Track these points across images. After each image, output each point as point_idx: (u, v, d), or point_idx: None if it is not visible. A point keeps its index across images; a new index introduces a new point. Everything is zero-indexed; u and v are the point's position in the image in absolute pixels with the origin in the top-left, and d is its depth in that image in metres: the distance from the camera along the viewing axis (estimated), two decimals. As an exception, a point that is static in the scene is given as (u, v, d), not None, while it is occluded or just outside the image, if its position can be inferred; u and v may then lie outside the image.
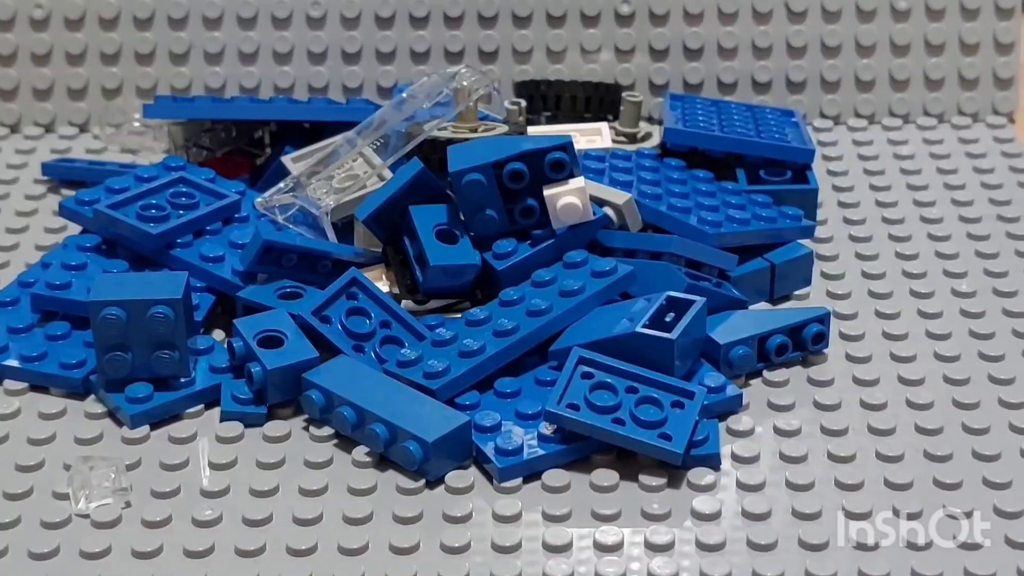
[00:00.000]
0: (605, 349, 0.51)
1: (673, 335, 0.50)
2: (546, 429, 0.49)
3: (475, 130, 0.62)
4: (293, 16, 0.76)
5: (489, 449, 0.49)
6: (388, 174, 0.60)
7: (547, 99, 0.71)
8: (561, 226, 0.56)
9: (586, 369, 0.50)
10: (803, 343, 0.54)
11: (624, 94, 0.69)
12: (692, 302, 0.52)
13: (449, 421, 0.49)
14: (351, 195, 0.59)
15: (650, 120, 0.74)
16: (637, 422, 0.49)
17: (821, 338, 0.55)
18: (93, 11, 0.76)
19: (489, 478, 0.49)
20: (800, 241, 0.61)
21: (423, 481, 0.48)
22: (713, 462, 0.49)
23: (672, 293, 0.53)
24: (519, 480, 0.48)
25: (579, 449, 0.49)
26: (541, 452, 0.49)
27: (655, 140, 0.69)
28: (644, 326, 0.51)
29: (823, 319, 0.55)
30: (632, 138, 0.68)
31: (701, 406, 0.49)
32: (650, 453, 0.48)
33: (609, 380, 0.50)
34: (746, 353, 0.53)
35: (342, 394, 0.50)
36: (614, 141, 0.68)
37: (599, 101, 0.71)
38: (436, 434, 0.48)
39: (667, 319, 0.52)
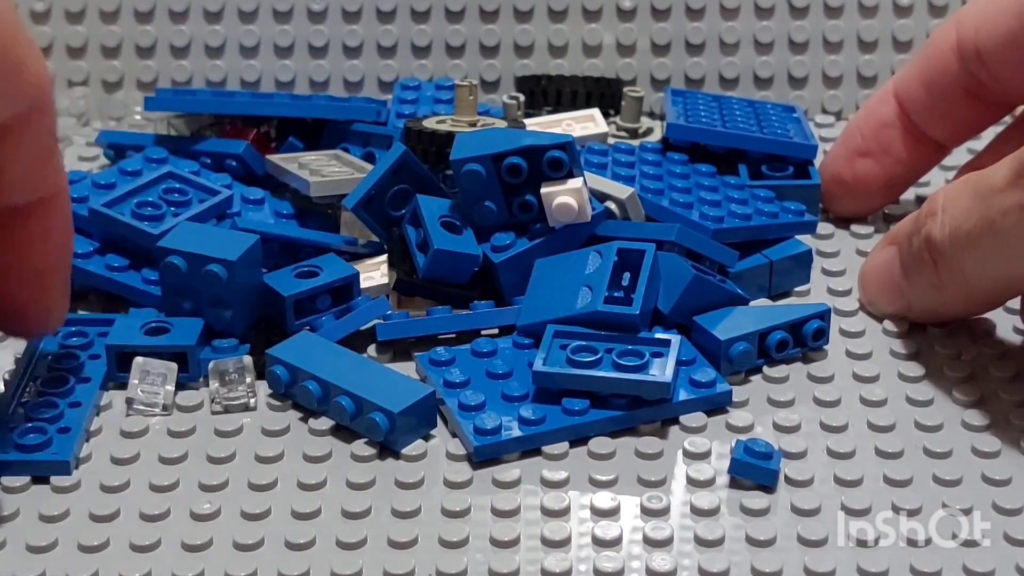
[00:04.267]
0: (570, 323, 0.52)
1: (635, 309, 0.51)
2: (528, 412, 0.50)
3: (474, 124, 0.62)
4: (294, 10, 0.76)
5: (468, 427, 0.49)
6: (368, 166, 0.60)
7: (548, 94, 0.71)
8: (557, 225, 0.56)
9: (562, 341, 0.52)
10: (803, 339, 0.54)
11: (625, 89, 0.69)
12: (643, 252, 0.53)
13: (414, 392, 0.50)
14: (332, 176, 0.60)
15: (651, 115, 0.74)
16: (621, 368, 0.50)
17: (822, 334, 0.54)
18: (94, 4, 0.76)
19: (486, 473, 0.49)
20: (800, 238, 0.61)
21: (422, 475, 0.48)
22: (725, 399, 0.51)
23: (622, 245, 0.53)
24: (517, 474, 0.48)
25: (559, 434, 0.50)
26: (519, 434, 0.49)
27: (657, 135, 0.69)
28: (605, 300, 0.52)
29: (824, 315, 0.55)
30: (633, 133, 0.68)
31: (680, 347, 0.51)
32: (637, 391, 0.50)
33: (586, 344, 0.51)
34: (747, 349, 0.53)
35: (306, 368, 0.51)
36: (615, 136, 0.68)
37: (600, 96, 0.71)
38: (401, 405, 0.49)
39: (623, 280, 0.53)
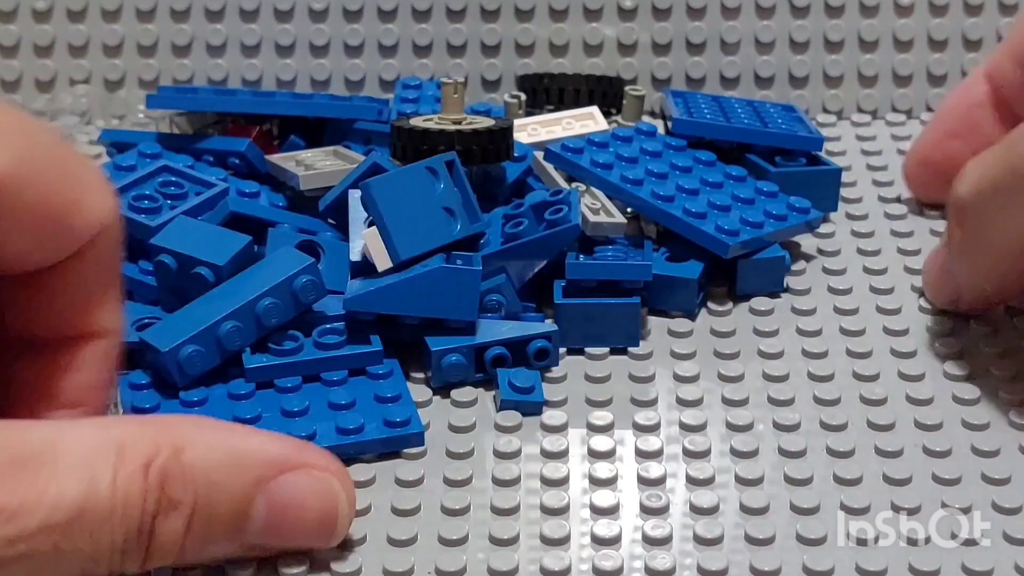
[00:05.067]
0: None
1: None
2: None
3: (459, 122, 0.61)
4: (295, 9, 0.76)
5: None
6: (360, 157, 0.61)
7: (550, 92, 0.71)
8: None
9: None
10: (527, 358, 0.54)
11: (627, 88, 0.69)
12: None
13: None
14: (323, 169, 0.60)
15: (652, 115, 0.73)
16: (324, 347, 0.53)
17: (545, 355, 0.54)
18: (95, 3, 0.76)
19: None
20: (798, 237, 0.61)
21: (422, 473, 0.48)
22: (417, 440, 0.50)
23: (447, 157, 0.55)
24: (516, 472, 0.48)
25: None
26: None
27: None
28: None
29: (550, 336, 0.54)
30: None
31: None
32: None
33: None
34: (458, 361, 0.53)
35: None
36: None
37: (602, 94, 0.71)
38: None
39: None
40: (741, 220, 0.59)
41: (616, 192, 0.59)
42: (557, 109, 0.70)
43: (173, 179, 0.60)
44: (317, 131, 0.67)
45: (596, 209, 0.59)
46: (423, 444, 0.50)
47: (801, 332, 0.57)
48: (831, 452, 0.49)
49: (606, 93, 0.71)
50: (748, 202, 0.61)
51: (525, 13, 0.76)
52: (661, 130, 0.68)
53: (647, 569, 0.44)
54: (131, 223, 0.57)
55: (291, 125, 0.68)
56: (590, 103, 0.70)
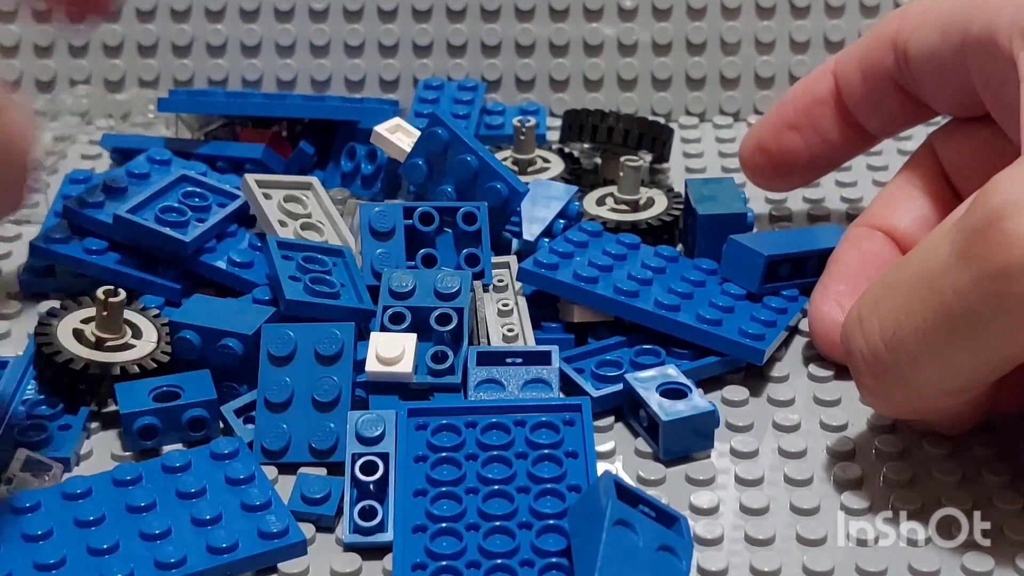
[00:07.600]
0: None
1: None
2: None
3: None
4: (296, 9, 0.76)
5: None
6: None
7: (598, 130, 0.66)
8: None
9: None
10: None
11: (623, 159, 0.63)
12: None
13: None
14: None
15: (652, 184, 0.66)
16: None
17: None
18: (96, 3, 0.76)
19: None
20: None
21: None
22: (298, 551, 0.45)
23: None
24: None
25: None
26: None
27: (659, 207, 0.63)
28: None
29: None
30: (634, 206, 0.62)
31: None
32: None
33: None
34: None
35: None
36: (613, 210, 0.63)
37: (652, 139, 0.66)
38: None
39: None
40: (752, 318, 0.55)
41: (609, 305, 0.54)
42: (597, 148, 0.67)
43: (196, 190, 0.59)
44: (326, 131, 0.67)
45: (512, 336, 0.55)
46: (306, 553, 0.45)
47: (801, 332, 0.57)
48: (831, 453, 0.49)
49: (656, 138, 0.66)
50: (739, 297, 0.56)
51: (525, 13, 0.76)
52: (661, 202, 0.63)
53: (647, 570, 0.44)
54: (162, 237, 0.56)
55: (296, 125, 0.68)
56: (639, 146, 0.66)
